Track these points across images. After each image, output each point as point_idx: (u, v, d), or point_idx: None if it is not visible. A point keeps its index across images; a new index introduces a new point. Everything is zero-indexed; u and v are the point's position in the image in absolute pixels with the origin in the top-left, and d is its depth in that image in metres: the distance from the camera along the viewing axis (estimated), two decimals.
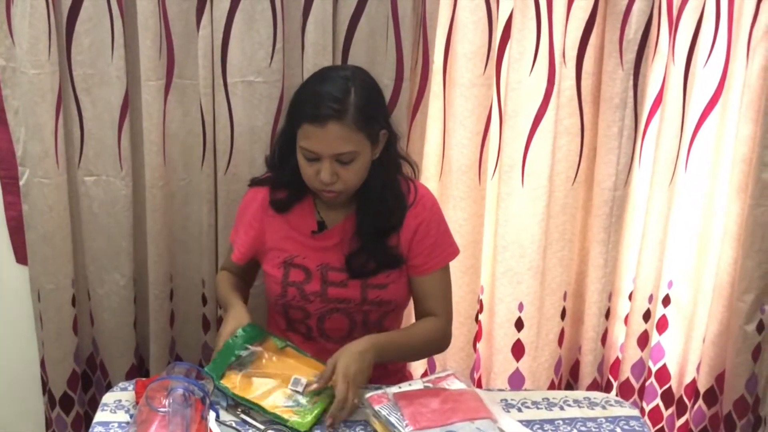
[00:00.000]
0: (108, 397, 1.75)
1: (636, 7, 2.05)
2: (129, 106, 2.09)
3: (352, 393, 1.67)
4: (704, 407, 2.43)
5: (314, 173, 1.78)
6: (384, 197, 1.86)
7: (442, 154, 2.24)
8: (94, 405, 2.32)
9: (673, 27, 2.14)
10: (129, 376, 2.31)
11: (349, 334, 1.92)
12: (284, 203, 1.90)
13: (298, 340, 1.94)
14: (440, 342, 1.96)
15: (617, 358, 2.49)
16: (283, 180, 1.90)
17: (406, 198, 1.90)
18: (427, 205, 1.92)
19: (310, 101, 1.76)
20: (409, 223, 1.89)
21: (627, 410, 1.80)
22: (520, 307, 2.31)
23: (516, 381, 2.38)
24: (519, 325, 2.33)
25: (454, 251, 1.96)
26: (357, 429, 1.68)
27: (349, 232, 1.89)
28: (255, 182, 1.97)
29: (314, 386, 1.69)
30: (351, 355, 1.72)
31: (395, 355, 1.92)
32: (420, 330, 1.92)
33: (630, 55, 2.10)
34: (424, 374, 2.40)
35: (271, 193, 1.91)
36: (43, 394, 2.32)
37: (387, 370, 2.01)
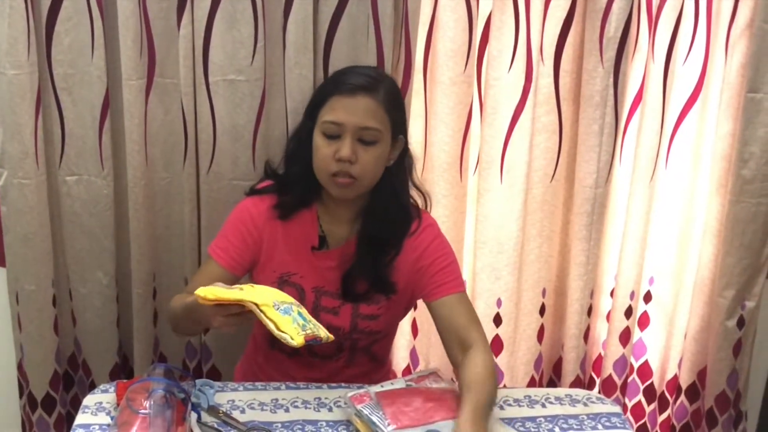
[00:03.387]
0: (89, 400, 1.74)
1: (616, 5, 2.06)
2: (110, 105, 2.09)
3: None
4: (686, 403, 2.44)
5: (332, 153, 1.73)
6: (390, 208, 1.83)
7: (424, 152, 2.24)
8: (76, 405, 2.31)
9: (653, 25, 2.15)
10: (112, 375, 2.30)
11: (337, 353, 1.92)
12: (289, 207, 1.85)
13: (284, 357, 1.93)
14: (494, 373, 1.74)
15: (599, 354, 2.50)
16: (291, 179, 1.86)
17: (410, 220, 1.86)
18: (428, 237, 1.86)
19: (342, 77, 1.78)
20: (408, 253, 1.85)
21: (608, 407, 1.81)
22: (499, 302, 2.32)
23: None
24: (497, 320, 2.34)
25: (461, 284, 1.86)
26: (339, 429, 1.68)
27: (350, 255, 1.85)
28: (253, 192, 1.90)
29: None
30: None
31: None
32: (483, 384, 1.68)
33: (610, 53, 2.10)
34: (407, 372, 2.41)
35: (277, 197, 1.86)
36: (20, 397, 2.30)
37: (370, 376, 2.00)
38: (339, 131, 1.73)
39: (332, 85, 1.78)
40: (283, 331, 1.48)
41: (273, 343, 1.91)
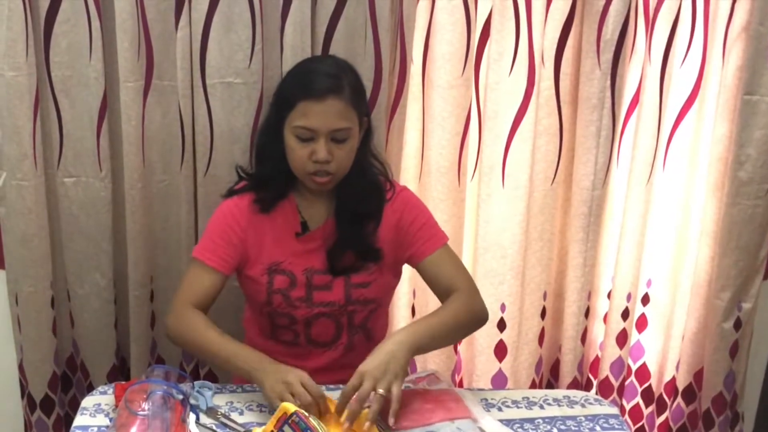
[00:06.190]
0: (87, 401, 1.74)
1: (613, 8, 2.07)
2: (108, 107, 2.09)
3: (368, 384, 1.59)
4: (683, 404, 2.44)
5: (308, 155, 1.78)
6: (359, 182, 1.88)
7: (421, 156, 2.25)
8: (74, 406, 2.31)
9: (650, 27, 2.15)
10: (110, 377, 2.30)
11: (335, 339, 1.93)
12: (268, 201, 1.89)
13: (281, 348, 1.93)
14: (472, 314, 1.86)
15: (597, 356, 2.50)
16: (266, 177, 1.90)
17: (383, 190, 1.92)
18: (404, 200, 1.93)
19: (307, 79, 1.80)
20: (389, 219, 1.91)
21: (606, 408, 1.81)
22: (503, 307, 2.32)
23: (499, 381, 2.38)
24: (501, 325, 2.34)
25: (443, 237, 1.93)
26: None
27: (331, 232, 1.90)
28: (231, 192, 1.94)
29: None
30: (374, 355, 1.65)
31: (431, 340, 1.77)
32: (447, 308, 1.83)
33: (607, 56, 2.11)
34: None
35: (255, 194, 1.90)
36: (22, 397, 2.30)
37: None
38: (312, 135, 1.77)
39: (299, 88, 1.79)
40: None
41: (274, 331, 1.94)
